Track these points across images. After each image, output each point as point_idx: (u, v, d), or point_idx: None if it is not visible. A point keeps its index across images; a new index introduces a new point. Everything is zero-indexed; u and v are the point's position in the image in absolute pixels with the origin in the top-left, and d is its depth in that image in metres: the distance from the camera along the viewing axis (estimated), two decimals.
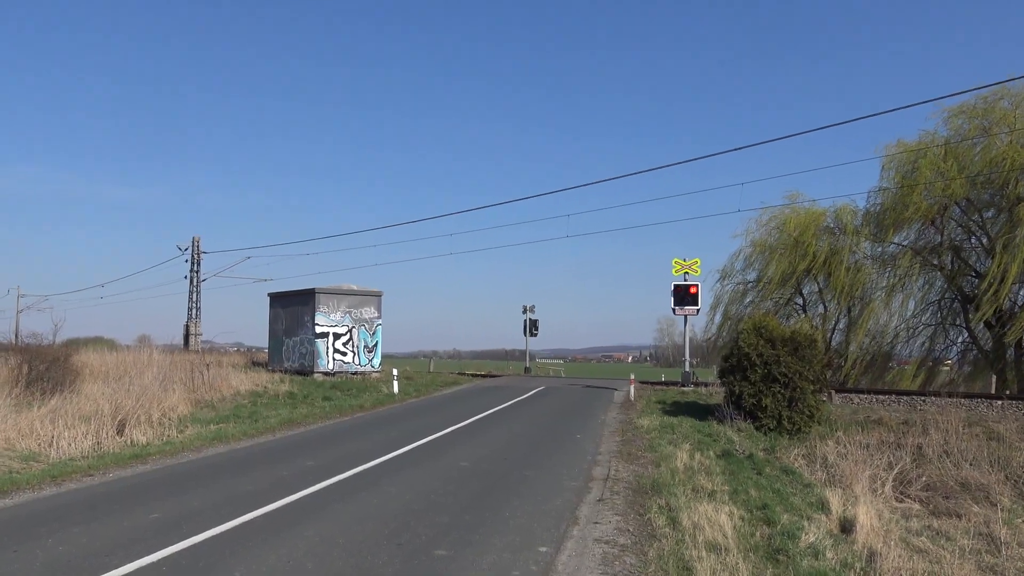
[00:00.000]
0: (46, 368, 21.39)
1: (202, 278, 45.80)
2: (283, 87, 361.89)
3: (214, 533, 7.57)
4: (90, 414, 15.13)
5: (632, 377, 26.71)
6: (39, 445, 13.24)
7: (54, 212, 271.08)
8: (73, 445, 13.21)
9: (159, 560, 6.70)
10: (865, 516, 9.55)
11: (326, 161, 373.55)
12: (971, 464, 14.76)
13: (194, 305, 45.39)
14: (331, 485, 10.14)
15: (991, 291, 26.89)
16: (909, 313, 32.23)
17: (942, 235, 30.91)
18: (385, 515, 8.46)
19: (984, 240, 30.30)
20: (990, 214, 30.39)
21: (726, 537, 7.99)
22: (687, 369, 29.69)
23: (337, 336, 29.13)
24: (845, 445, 15.59)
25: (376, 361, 30.45)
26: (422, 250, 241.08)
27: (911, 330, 32.32)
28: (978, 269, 30.45)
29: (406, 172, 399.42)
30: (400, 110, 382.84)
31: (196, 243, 45.70)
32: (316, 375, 28.17)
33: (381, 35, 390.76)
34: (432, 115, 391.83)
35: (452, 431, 15.97)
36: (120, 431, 14.63)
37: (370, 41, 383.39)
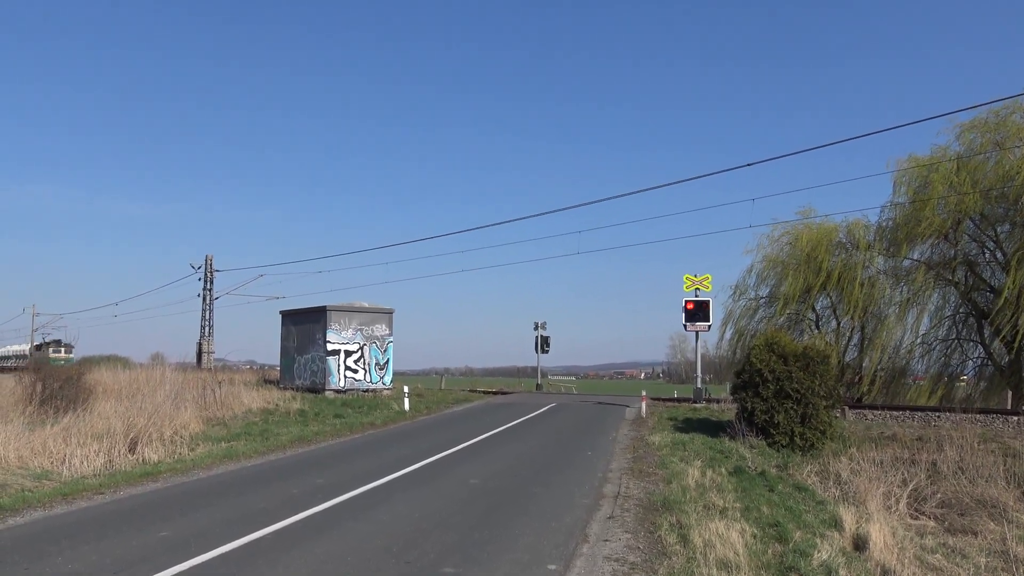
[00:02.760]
0: (60, 386, 21.55)
1: (215, 296, 46.17)
2: (297, 104, 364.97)
3: (223, 551, 7.57)
4: (102, 432, 15.20)
5: (644, 394, 26.61)
6: (52, 463, 13.30)
7: (69, 230, 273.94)
8: (85, 463, 13.26)
9: None
10: (879, 533, 9.45)
11: (338, 178, 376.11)
12: (987, 481, 14.58)
13: (207, 323, 45.66)
14: (341, 503, 10.14)
15: (1007, 306, 26.66)
16: (924, 329, 32.01)
17: (956, 250, 30.72)
18: (394, 532, 8.44)
19: (999, 255, 30.09)
20: (1005, 228, 30.18)
21: (738, 555, 7.92)
22: (699, 385, 29.55)
23: (348, 353, 29.18)
24: (859, 462, 15.44)
25: (387, 378, 30.47)
26: (434, 267, 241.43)
27: (926, 346, 32.09)
28: (993, 284, 30.22)
29: (417, 189, 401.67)
30: (411, 126, 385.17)
31: (209, 261, 46.02)
32: (327, 392, 28.20)
33: (391, 50, 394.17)
34: (444, 131, 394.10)
35: (462, 448, 15.94)
36: (132, 449, 14.68)
37: (381, 56, 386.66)
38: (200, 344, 45.64)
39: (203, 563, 7.17)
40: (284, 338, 32.11)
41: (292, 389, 28.75)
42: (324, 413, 22.96)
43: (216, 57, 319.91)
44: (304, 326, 30.50)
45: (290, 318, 31.94)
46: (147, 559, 7.30)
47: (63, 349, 70.08)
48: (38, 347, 72.39)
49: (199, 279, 46.12)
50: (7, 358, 79.35)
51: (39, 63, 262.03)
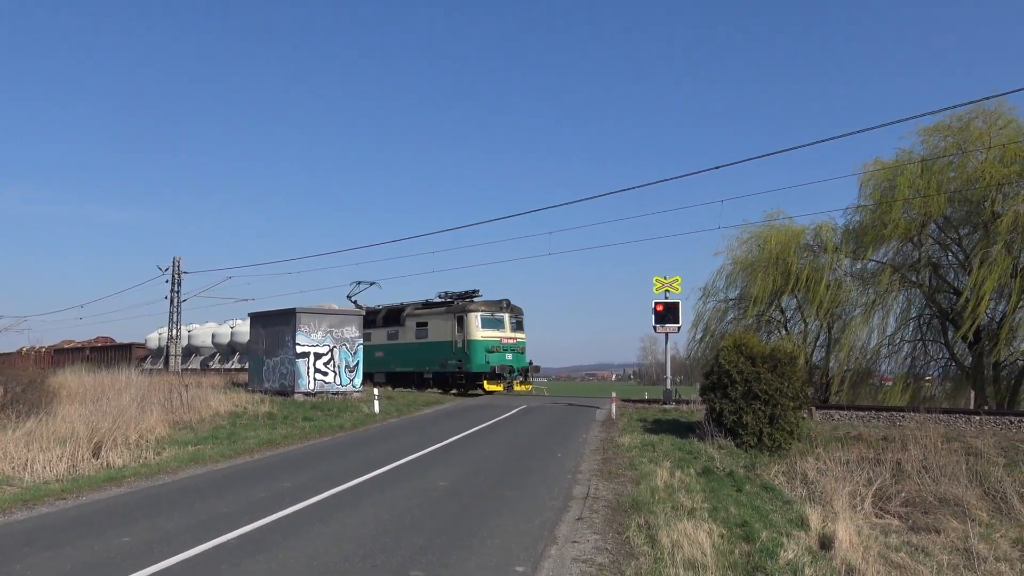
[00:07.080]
0: (22, 390, 21.09)
1: (183, 298, 45.42)
2: (272, 113, 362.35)
3: (186, 556, 7.47)
4: (66, 436, 14.93)
5: (614, 395, 26.67)
6: (13, 469, 13.04)
7: (40, 232, 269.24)
8: (48, 468, 13.02)
9: None
10: (844, 532, 9.56)
11: (308, 181, 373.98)
12: (950, 479, 14.81)
13: (174, 325, 45.01)
14: (308, 506, 10.04)
15: (969, 307, 27.13)
16: (890, 330, 32.43)
17: (920, 252, 31.20)
18: (361, 536, 8.38)
19: (961, 256, 30.62)
20: (967, 231, 30.73)
21: (705, 555, 7.97)
22: (668, 387, 29.67)
23: (318, 356, 28.90)
24: (825, 461, 15.61)
25: (357, 381, 30.22)
26: (404, 269, 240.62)
27: (892, 347, 32.53)
28: (956, 286, 30.75)
29: (388, 191, 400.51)
30: (381, 130, 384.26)
31: (177, 263, 45.36)
32: (297, 395, 27.92)
33: (365, 59, 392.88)
34: (415, 134, 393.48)
35: (432, 451, 15.87)
36: (96, 454, 14.44)
37: (353, 65, 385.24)
38: (167, 347, 45.02)
39: (166, 568, 7.07)
40: (252, 340, 31.74)
41: (261, 392, 28.43)
42: (293, 416, 22.74)
43: (191, 66, 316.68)
44: (273, 328, 30.18)
45: (259, 320, 31.58)
46: (108, 563, 7.19)
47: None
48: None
49: (166, 281, 45.36)
50: (201, 349, 54.98)
51: (20, 75, 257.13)
